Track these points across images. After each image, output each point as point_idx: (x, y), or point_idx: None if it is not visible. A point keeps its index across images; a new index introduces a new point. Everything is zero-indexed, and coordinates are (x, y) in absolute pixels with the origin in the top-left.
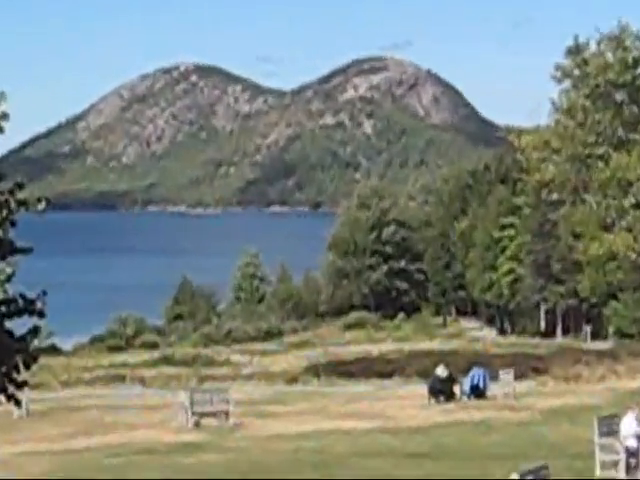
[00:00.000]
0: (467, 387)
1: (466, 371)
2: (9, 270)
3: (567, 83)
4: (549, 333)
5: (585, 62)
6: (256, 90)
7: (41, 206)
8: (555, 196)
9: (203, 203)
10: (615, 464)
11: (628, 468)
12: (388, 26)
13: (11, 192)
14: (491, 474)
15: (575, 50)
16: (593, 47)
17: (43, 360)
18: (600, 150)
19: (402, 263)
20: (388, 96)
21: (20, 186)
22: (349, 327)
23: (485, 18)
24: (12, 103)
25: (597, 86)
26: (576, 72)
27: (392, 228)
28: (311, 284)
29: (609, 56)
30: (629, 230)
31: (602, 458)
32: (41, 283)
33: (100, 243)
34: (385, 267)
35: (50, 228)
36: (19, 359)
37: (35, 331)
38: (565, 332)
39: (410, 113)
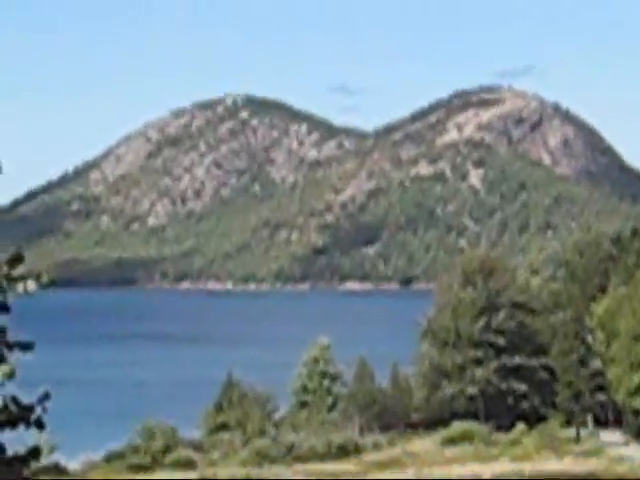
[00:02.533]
0: None
1: None
2: (5, 368)
3: None
4: None
5: None
6: (328, 130)
7: (42, 283)
8: None
9: (255, 278)
10: None
11: None
12: (504, 47)
13: (11, 265)
14: None
15: None
16: None
17: None
18: None
19: (520, 358)
20: (503, 138)
21: (18, 259)
22: (450, 442)
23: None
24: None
25: None
26: None
27: (507, 312)
28: (400, 385)
29: None
30: None
31: None
32: (39, 381)
33: (116, 328)
34: (497, 363)
35: (51, 308)
36: None
37: (35, 453)
38: None
39: (532, 161)
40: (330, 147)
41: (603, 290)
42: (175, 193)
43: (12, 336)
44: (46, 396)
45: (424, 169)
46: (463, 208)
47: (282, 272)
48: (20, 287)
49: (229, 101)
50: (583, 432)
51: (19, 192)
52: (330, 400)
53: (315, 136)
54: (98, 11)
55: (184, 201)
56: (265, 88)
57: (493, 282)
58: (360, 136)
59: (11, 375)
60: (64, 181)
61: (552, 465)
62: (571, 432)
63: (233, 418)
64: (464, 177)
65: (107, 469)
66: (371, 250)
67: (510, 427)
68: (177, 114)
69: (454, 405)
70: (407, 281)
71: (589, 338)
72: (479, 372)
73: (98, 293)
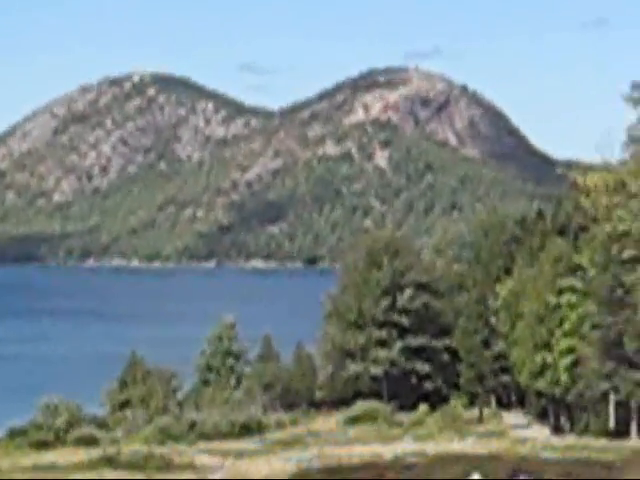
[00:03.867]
0: None
1: None
2: None
3: None
4: (621, 433)
5: None
6: (235, 109)
7: None
8: (630, 253)
9: (161, 255)
10: None
11: None
12: (413, 28)
13: None
14: None
15: None
16: None
17: None
18: None
19: (424, 338)
20: (410, 119)
21: None
22: (354, 421)
23: (541, 19)
24: None
25: None
26: None
27: (411, 292)
28: (304, 364)
29: None
30: None
31: None
32: None
33: (20, 304)
34: (401, 343)
35: None
36: None
37: None
38: None
39: (438, 142)
40: (237, 126)
41: (507, 272)
42: (81, 169)
43: None
44: None
45: (330, 149)
46: (369, 188)
47: (188, 250)
48: None
49: (137, 78)
50: (486, 413)
51: None
52: (234, 378)
53: (222, 114)
54: None
55: (90, 178)
56: (174, 66)
57: (398, 262)
58: (267, 115)
59: None
60: None
61: (455, 445)
62: (474, 413)
63: (137, 395)
64: (370, 157)
65: (9, 445)
66: (277, 229)
67: (413, 407)
68: (84, 90)
69: (358, 385)
70: (312, 260)
71: (493, 320)
72: (383, 352)
73: (3, 269)
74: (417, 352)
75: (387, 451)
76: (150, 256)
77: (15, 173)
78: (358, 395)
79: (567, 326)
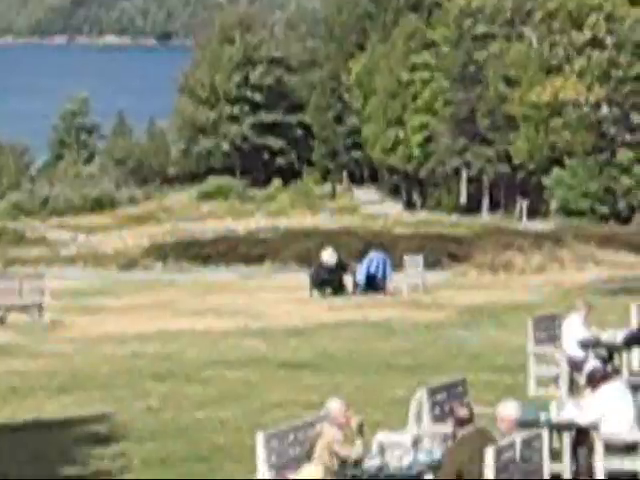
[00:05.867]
0: (362, 277)
1: (361, 256)
2: None
3: None
4: (472, 209)
5: None
6: None
7: None
8: (483, 28)
9: (11, 31)
10: (554, 379)
11: (571, 385)
12: None
13: None
14: (390, 390)
15: None
16: None
17: None
18: None
19: (277, 114)
20: None
21: None
22: (206, 196)
23: None
24: None
25: None
26: None
27: (264, 68)
28: (157, 140)
29: None
30: (581, 75)
31: (537, 371)
32: None
33: None
34: (253, 119)
35: None
36: None
37: None
38: (493, 208)
39: None
40: None
41: (361, 47)
42: None
43: None
44: None
45: None
46: None
47: (39, 25)
48: None
49: None
50: (338, 189)
51: None
52: (87, 153)
53: None
54: None
55: None
56: None
57: (250, 37)
58: None
59: None
60: None
61: (307, 221)
62: (326, 189)
63: None
64: None
65: None
66: (129, 3)
67: (266, 183)
68: None
69: (210, 160)
70: (165, 36)
71: (346, 95)
72: (234, 128)
73: None
74: (270, 128)
75: (240, 226)
76: None
77: None
78: (211, 171)
79: (420, 102)
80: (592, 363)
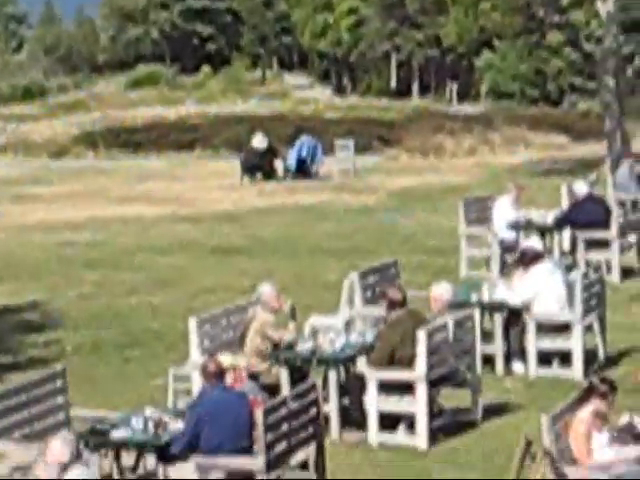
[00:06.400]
0: (292, 161)
1: (291, 141)
2: None
3: None
4: (402, 92)
5: None
6: None
7: None
8: None
9: None
10: (486, 261)
11: (503, 266)
12: None
13: None
14: (322, 274)
15: None
16: None
17: None
18: None
19: (206, 0)
20: None
21: None
22: (136, 84)
23: None
24: None
25: None
26: None
27: None
28: (86, 28)
29: None
30: None
31: (469, 253)
32: None
33: None
34: (181, 5)
35: None
36: None
37: None
38: (423, 91)
39: None
40: None
41: None
42: None
43: None
44: None
45: None
46: None
47: None
48: None
49: None
50: (268, 75)
51: None
52: (15, 42)
53: None
54: None
55: None
56: None
57: None
58: None
59: None
60: None
61: (237, 107)
62: (257, 74)
63: None
64: None
65: None
66: None
67: (195, 70)
68: None
69: (139, 48)
70: None
71: None
72: (163, 15)
73: None
74: (199, 14)
75: (170, 113)
76: None
77: None
78: (140, 58)
79: None
80: (532, 240)
